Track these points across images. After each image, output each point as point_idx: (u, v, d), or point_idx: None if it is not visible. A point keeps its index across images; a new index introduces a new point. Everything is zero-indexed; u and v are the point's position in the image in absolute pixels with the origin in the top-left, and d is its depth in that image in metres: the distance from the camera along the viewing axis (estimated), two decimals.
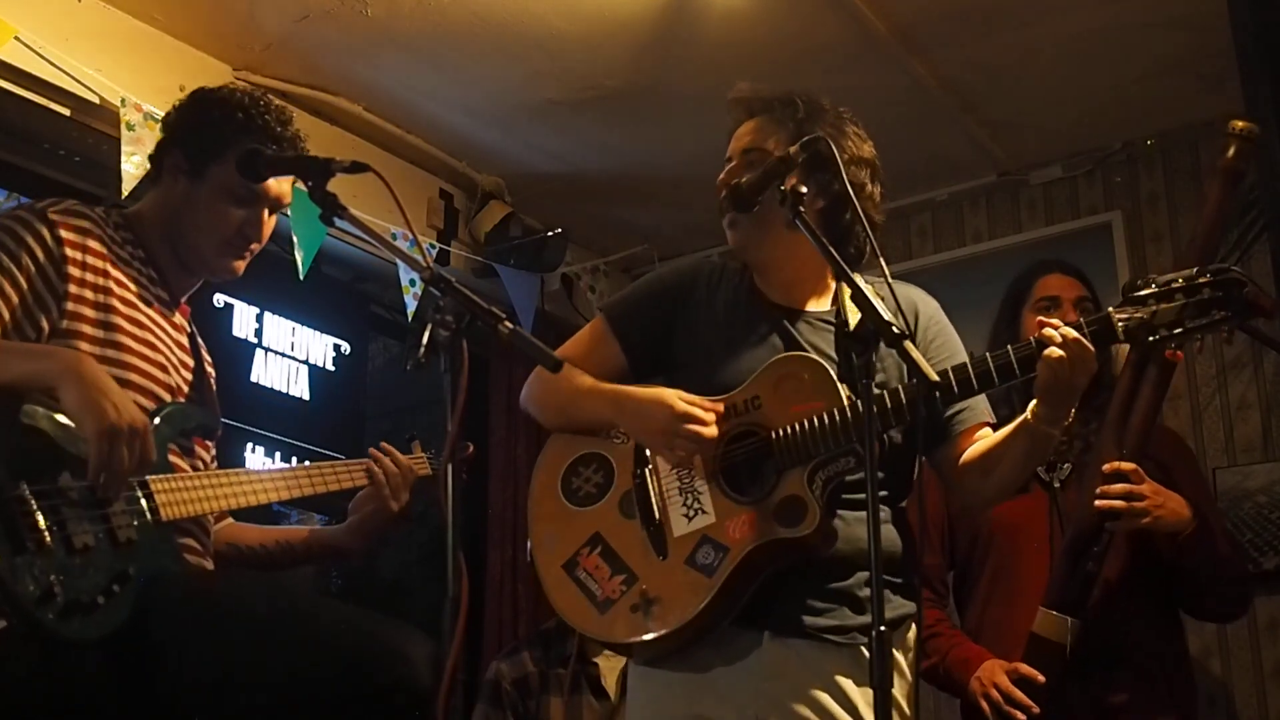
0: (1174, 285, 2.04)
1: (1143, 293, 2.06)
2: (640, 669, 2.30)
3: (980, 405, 2.31)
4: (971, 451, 2.26)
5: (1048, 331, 2.04)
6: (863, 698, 2.10)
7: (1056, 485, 2.91)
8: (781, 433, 2.16)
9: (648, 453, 2.26)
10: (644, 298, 2.43)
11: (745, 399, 2.22)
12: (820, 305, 2.34)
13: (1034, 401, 2.11)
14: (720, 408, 2.19)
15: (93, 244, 2.13)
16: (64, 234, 2.09)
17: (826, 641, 2.14)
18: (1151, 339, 2.04)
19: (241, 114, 2.24)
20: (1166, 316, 2.03)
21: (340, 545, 2.44)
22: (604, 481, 2.28)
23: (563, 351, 2.40)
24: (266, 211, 2.28)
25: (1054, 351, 2.02)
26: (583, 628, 2.24)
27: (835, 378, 2.16)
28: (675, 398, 2.19)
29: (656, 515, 2.21)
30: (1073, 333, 2.02)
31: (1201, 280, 2.03)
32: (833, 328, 2.26)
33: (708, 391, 2.24)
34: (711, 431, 2.17)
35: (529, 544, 2.33)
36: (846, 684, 2.12)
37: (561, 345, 2.45)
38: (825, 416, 2.13)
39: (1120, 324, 2.05)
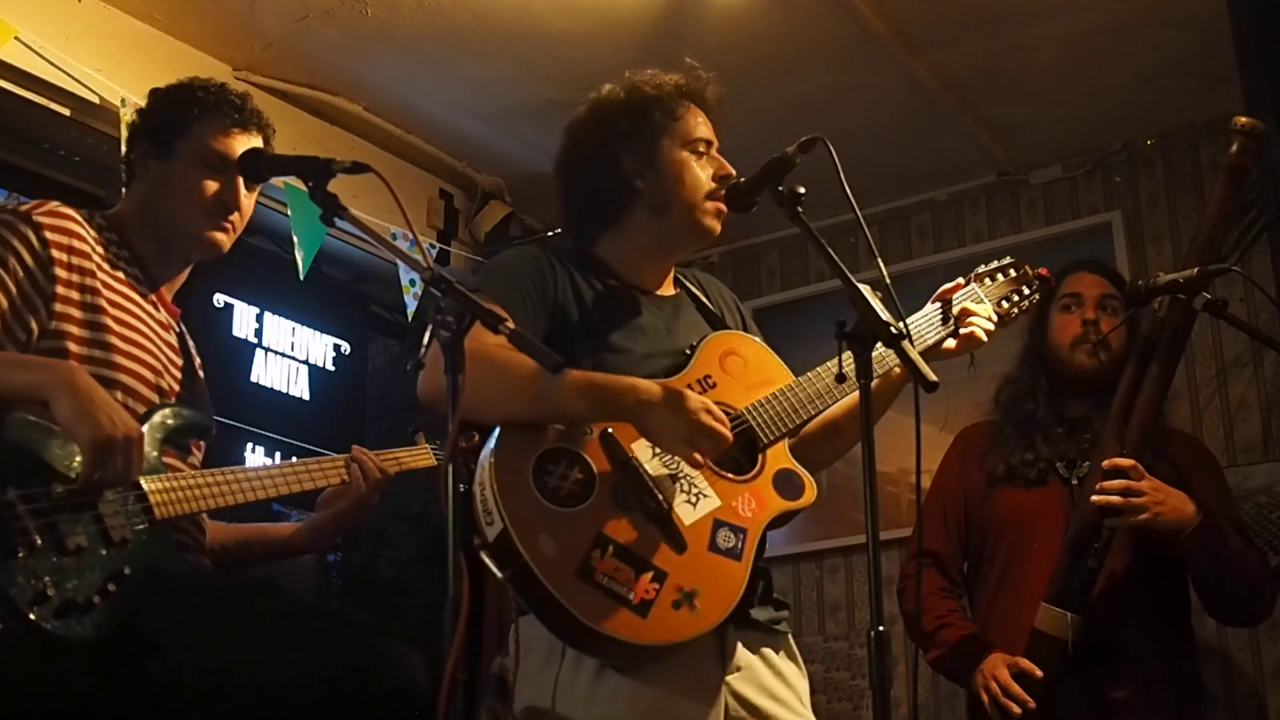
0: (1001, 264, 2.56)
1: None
2: (604, 674, 2.09)
3: None
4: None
5: (970, 318, 2.39)
6: (800, 681, 2.23)
7: (1074, 482, 2.91)
8: (755, 409, 2.20)
9: (632, 445, 2.10)
10: (525, 280, 2.24)
11: (698, 378, 2.22)
12: (669, 290, 2.41)
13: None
14: (724, 417, 2.10)
15: (78, 244, 2.13)
16: (49, 235, 2.09)
17: (770, 630, 2.20)
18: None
19: (200, 92, 2.30)
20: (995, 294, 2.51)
21: (298, 544, 2.44)
22: (584, 478, 2.07)
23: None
24: (241, 180, 2.28)
25: (977, 333, 2.39)
26: (623, 634, 1.98)
27: (772, 352, 2.31)
28: (698, 398, 2.08)
29: (663, 506, 2.08)
30: (990, 326, 2.42)
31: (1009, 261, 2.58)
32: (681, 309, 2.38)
33: (615, 373, 2.14)
34: (729, 434, 2.08)
35: (523, 554, 2.01)
36: (789, 669, 2.21)
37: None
38: (788, 391, 2.22)
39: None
